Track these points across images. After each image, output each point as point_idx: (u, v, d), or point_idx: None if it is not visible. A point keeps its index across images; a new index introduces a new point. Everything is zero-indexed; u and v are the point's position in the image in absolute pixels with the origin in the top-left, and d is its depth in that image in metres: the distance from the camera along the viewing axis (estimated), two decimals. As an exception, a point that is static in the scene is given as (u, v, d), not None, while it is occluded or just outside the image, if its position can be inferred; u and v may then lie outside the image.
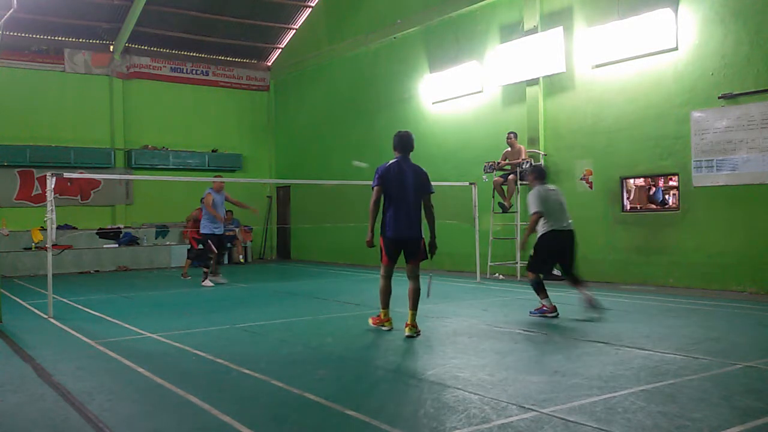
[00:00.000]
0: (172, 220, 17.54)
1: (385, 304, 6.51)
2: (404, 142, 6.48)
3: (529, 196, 7.47)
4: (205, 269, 11.60)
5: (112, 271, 15.72)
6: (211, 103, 18.72)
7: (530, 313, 7.40)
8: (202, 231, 11.44)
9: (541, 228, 7.36)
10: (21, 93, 15.93)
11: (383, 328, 6.50)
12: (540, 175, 7.66)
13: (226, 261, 17.42)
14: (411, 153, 6.53)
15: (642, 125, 10.30)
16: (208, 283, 11.39)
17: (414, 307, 6.26)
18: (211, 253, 11.54)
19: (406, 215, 6.28)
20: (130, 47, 17.47)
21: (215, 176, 12.17)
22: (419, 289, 6.34)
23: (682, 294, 9.04)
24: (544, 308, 7.28)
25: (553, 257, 7.44)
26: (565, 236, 7.33)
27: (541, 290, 7.29)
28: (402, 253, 6.40)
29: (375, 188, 6.30)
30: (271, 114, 19.87)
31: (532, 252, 7.54)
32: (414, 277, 6.36)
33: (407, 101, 14.79)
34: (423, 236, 6.40)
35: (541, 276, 7.35)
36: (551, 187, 7.69)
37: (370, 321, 6.73)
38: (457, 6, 13.36)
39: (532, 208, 7.32)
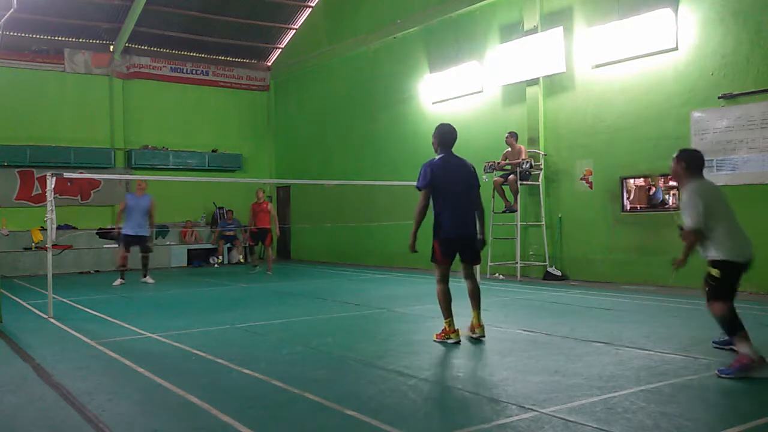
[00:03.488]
0: (172, 220, 17.53)
1: (448, 312, 5.86)
2: (446, 138, 6.06)
3: (684, 196, 5.05)
4: (121, 268, 12.16)
5: (112, 271, 15.70)
6: (211, 103, 18.71)
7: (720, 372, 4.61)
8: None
9: (716, 252, 4.84)
10: (21, 93, 15.92)
11: (449, 341, 5.77)
12: (692, 161, 5.14)
13: (226, 261, 17.44)
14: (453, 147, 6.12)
15: (642, 125, 10.30)
16: (118, 282, 11.86)
17: (478, 306, 5.97)
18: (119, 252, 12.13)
19: (462, 213, 5.88)
20: (130, 47, 17.47)
21: (138, 180, 12.31)
22: (478, 288, 6.05)
23: (682, 294, 9.04)
24: (744, 360, 4.55)
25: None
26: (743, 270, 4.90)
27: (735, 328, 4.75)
28: (458, 254, 5.97)
29: (423, 190, 5.84)
30: (271, 114, 19.87)
31: (716, 273, 4.86)
32: (471, 277, 6.06)
33: (407, 101, 14.79)
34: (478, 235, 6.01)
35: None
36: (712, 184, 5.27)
37: (434, 337, 5.92)
38: (457, 6, 13.36)
39: (689, 220, 4.89)
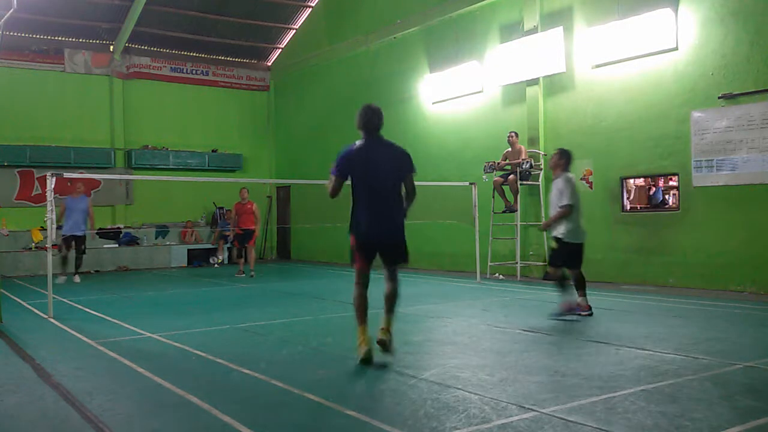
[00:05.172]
0: (172, 220, 17.54)
1: (362, 319, 5.08)
2: (365, 120, 5.13)
3: (562, 182, 6.97)
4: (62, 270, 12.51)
5: (112, 271, 15.72)
6: (211, 103, 18.72)
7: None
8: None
9: (564, 232, 6.94)
10: (21, 93, 15.93)
11: (358, 354, 4.98)
12: (569, 158, 7.12)
13: (226, 261, 17.43)
14: (380, 131, 5.23)
15: (642, 125, 10.30)
16: (61, 279, 12.23)
17: (391, 310, 5.25)
18: (60, 251, 12.39)
19: (378, 214, 5.12)
20: (130, 47, 17.47)
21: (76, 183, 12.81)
22: (397, 291, 5.27)
23: (682, 294, 9.04)
24: (569, 305, 7.00)
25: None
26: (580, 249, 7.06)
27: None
28: (378, 254, 5.26)
29: (333, 177, 5.11)
30: (271, 114, 19.87)
31: (555, 247, 7.16)
32: (392, 280, 5.28)
33: (407, 101, 14.78)
34: (405, 237, 5.31)
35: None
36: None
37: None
38: (457, 6, 13.36)
39: (567, 198, 6.82)
